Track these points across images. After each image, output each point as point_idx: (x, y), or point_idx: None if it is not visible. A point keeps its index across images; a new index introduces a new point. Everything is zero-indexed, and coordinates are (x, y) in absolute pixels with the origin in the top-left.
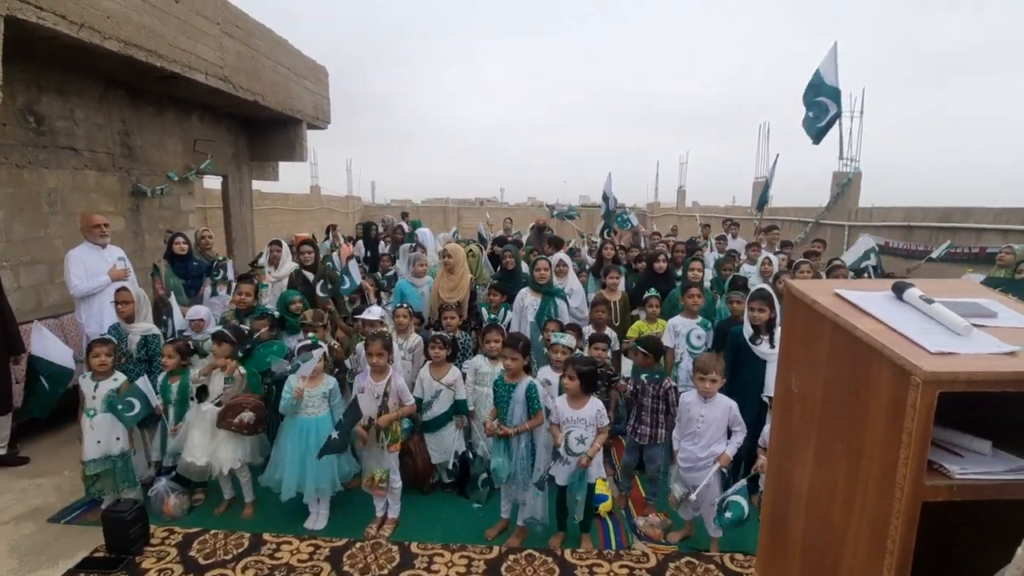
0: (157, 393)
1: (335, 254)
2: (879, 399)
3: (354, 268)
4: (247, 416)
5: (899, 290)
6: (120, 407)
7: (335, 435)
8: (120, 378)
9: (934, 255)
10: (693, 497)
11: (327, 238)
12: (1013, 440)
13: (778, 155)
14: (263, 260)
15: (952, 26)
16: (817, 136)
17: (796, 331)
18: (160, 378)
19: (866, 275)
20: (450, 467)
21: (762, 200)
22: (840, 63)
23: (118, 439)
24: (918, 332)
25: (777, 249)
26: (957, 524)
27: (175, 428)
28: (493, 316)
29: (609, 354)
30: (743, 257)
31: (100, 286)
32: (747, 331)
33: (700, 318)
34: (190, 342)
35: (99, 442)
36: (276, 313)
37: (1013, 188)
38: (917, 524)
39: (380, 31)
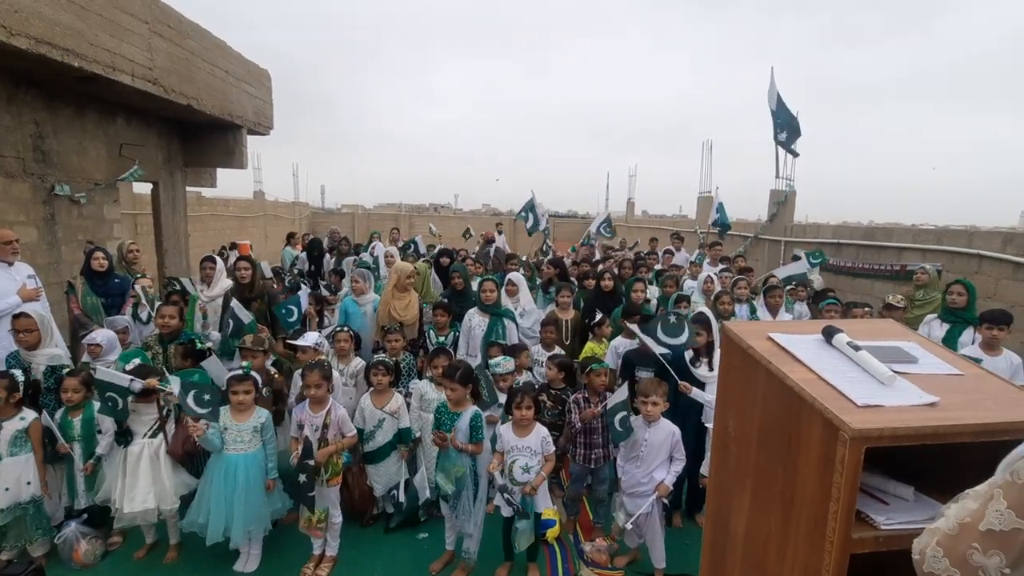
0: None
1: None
2: (809, 450)
3: (303, 297)
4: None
5: (828, 335)
6: (109, 404)
7: (302, 479)
8: (28, 416)
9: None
10: (628, 526)
11: (287, 244)
12: (934, 483)
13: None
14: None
15: (865, 61)
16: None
17: (733, 373)
18: (58, 414)
19: (800, 288)
20: (394, 497)
21: (723, 224)
22: (778, 87)
23: (28, 483)
24: (846, 382)
25: (720, 266)
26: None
27: (86, 466)
28: (441, 339)
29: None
30: (687, 272)
31: (9, 308)
32: (687, 354)
33: None
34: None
35: (7, 489)
36: (202, 343)
37: (925, 203)
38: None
39: (332, 35)
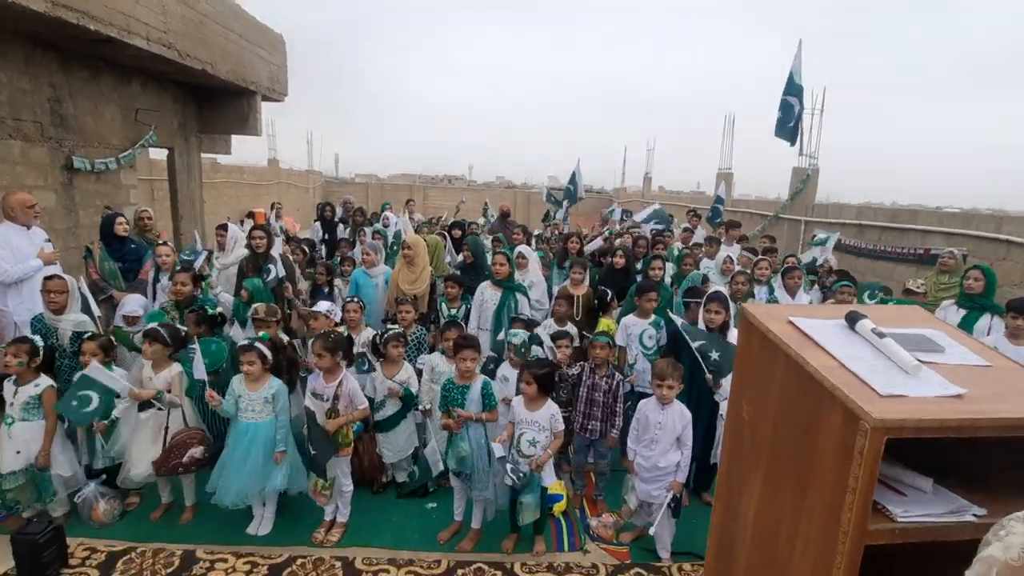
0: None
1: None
2: (827, 439)
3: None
4: (197, 452)
5: (852, 320)
6: (75, 403)
7: (313, 452)
8: (43, 383)
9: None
10: (631, 513)
11: (275, 217)
12: (954, 475)
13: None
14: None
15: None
16: (791, 136)
17: (751, 357)
18: (77, 377)
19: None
20: (406, 469)
21: (715, 218)
22: (804, 61)
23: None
24: (868, 370)
25: (741, 246)
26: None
27: (99, 425)
28: (453, 312)
29: (569, 351)
30: (702, 252)
31: (32, 270)
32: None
33: (653, 317)
34: (112, 337)
35: (19, 452)
36: (214, 308)
37: (951, 190)
38: (859, 566)
39: (349, 2)
